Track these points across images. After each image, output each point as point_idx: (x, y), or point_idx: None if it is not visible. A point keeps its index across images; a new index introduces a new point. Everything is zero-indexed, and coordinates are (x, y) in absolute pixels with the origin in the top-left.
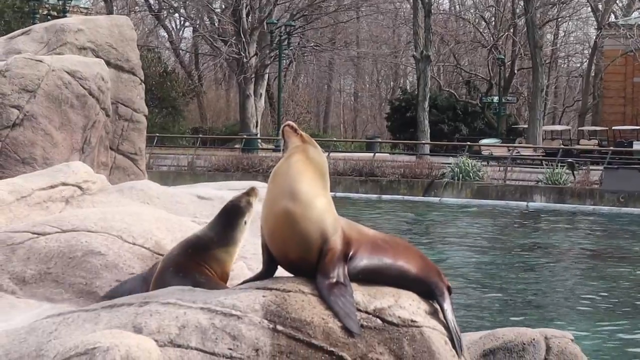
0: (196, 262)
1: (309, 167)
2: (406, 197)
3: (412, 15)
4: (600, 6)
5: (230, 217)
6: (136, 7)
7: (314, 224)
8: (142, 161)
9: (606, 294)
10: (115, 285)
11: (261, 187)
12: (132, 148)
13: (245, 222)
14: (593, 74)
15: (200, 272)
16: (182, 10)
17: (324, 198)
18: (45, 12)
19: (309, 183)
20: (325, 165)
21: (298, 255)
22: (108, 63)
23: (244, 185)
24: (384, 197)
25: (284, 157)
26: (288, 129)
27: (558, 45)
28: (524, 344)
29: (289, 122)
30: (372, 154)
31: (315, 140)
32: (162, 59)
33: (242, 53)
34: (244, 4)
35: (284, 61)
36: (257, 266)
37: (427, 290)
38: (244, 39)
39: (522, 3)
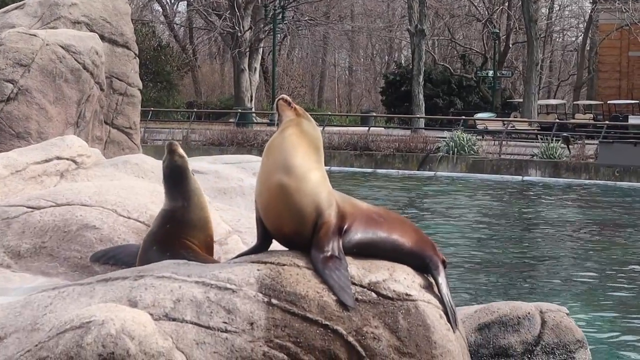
0: (178, 237)
1: (303, 140)
2: (401, 171)
3: None
4: None
5: (177, 176)
6: None
7: (308, 198)
8: (136, 135)
9: (601, 268)
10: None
11: (255, 161)
12: (127, 122)
13: (192, 172)
14: (588, 48)
15: (185, 247)
16: None
17: (318, 172)
18: None
19: (303, 157)
20: (319, 138)
21: (292, 229)
22: (102, 37)
23: (238, 158)
24: (379, 171)
25: (278, 130)
26: (282, 102)
27: (553, 19)
28: (519, 317)
29: (283, 96)
30: (366, 128)
31: (310, 114)
32: (156, 33)
33: (236, 27)
34: None
35: (279, 35)
36: (252, 240)
37: (421, 264)
38: (238, 13)
39: None
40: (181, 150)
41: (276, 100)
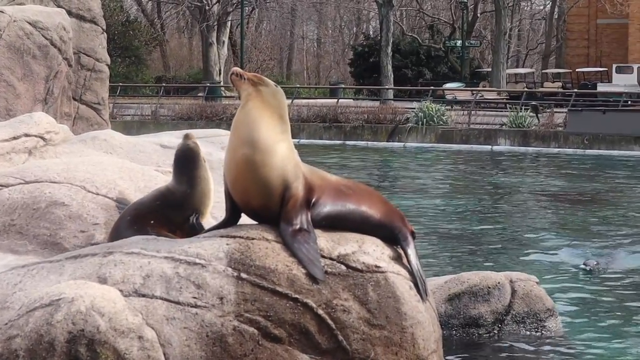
0: (160, 217)
1: (265, 112)
2: (370, 143)
3: None
4: None
5: (188, 160)
6: None
7: (275, 171)
8: (105, 111)
9: (571, 236)
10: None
11: (224, 135)
12: (95, 98)
13: (204, 160)
14: (556, 16)
15: (156, 230)
16: None
17: (284, 143)
18: None
19: (267, 129)
20: (281, 105)
21: (260, 203)
22: (69, 13)
23: (207, 133)
24: (348, 142)
25: (240, 105)
26: (234, 77)
27: None
28: (489, 287)
29: (233, 70)
30: (335, 100)
31: (281, 87)
32: (124, 7)
33: (204, 1)
34: None
35: (246, 8)
36: (221, 214)
37: (390, 235)
38: None
39: None
40: (195, 139)
41: (229, 76)
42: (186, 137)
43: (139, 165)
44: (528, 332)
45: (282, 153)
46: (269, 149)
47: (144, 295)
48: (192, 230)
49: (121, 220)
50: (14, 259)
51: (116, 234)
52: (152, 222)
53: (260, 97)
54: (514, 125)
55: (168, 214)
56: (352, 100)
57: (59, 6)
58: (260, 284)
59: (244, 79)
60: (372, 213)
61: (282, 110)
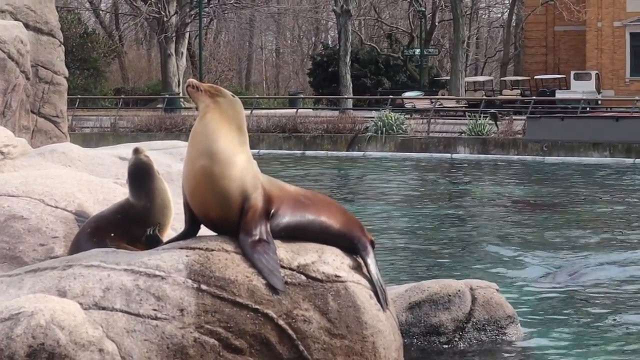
0: (120, 230)
1: (223, 123)
2: (330, 153)
3: None
4: None
5: (142, 174)
6: None
7: (234, 182)
8: (64, 124)
9: (531, 243)
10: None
11: (183, 146)
12: (54, 111)
13: (158, 171)
14: (514, 24)
15: (112, 241)
16: None
17: (242, 155)
18: None
19: (225, 140)
20: (240, 116)
21: (219, 214)
22: (27, 26)
23: (166, 145)
24: (308, 152)
25: (198, 117)
26: (190, 89)
27: None
28: (450, 295)
29: (189, 82)
30: (295, 110)
31: (240, 98)
32: (82, 20)
33: (162, 12)
34: None
35: (205, 19)
36: (180, 226)
37: (350, 245)
38: None
39: None
40: (147, 152)
41: (185, 88)
42: (136, 151)
43: (97, 177)
44: (489, 340)
45: (240, 164)
46: (228, 160)
47: (104, 308)
48: (151, 242)
49: (81, 233)
50: None
51: (76, 246)
52: (112, 235)
53: (218, 108)
54: (473, 133)
55: (129, 227)
56: (311, 110)
57: (16, 19)
58: (221, 295)
59: (201, 90)
60: (332, 223)
61: (240, 121)
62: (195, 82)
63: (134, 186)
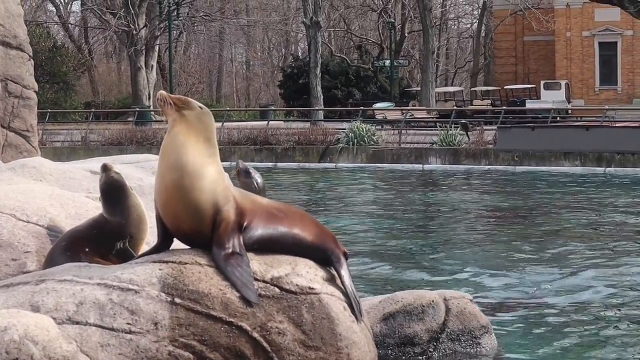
0: (96, 246)
1: (190, 137)
2: (301, 164)
3: None
4: None
5: (115, 192)
6: None
7: (205, 194)
8: (34, 138)
9: (503, 253)
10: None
11: (154, 159)
12: (24, 125)
13: (131, 188)
14: (483, 34)
15: (86, 256)
16: None
17: (212, 167)
18: None
19: (193, 153)
20: (208, 127)
21: (191, 227)
22: None
23: (137, 158)
24: (280, 164)
25: (167, 131)
26: (160, 102)
27: (447, 6)
28: (423, 306)
29: (158, 95)
30: (266, 122)
31: (211, 110)
32: (51, 33)
33: (131, 25)
34: None
35: (174, 32)
36: (153, 240)
37: (323, 257)
38: (132, 11)
39: None
40: (116, 168)
41: (156, 100)
42: (106, 168)
43: (69, 192)
44: (463, 350)
45: (211, 176)
46: (197, 172)
47: (77, 323)
48: (121, 256)
49: (56, 247)
50: None
51: (50, 260)
52: (86, 249)
53: (184, 121)
54: (444, 144)
55: (104, 242)
56: (282, 122)
57: None
58: (194, 308)
59: (169, 104)
60: (305, 235)
61: (209, 133)
62: (164, 94)
63: (107, 204)
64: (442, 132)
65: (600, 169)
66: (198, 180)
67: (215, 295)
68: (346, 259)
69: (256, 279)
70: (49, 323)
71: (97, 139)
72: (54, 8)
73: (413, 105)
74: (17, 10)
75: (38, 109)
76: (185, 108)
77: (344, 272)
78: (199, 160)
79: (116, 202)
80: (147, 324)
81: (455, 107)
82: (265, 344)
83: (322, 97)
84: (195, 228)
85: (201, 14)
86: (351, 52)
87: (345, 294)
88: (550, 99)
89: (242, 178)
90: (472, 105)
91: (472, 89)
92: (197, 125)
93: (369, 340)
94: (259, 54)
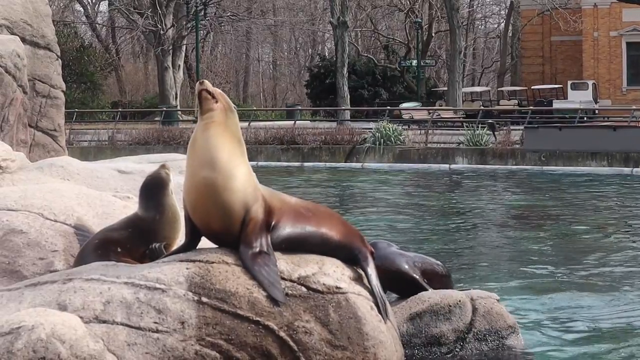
0: (130, 246)
1: (226, 137)
2: (328, 164)
3: None
4: None
5: (155, 187)
6: None
7: (236, 194)
8: (61, 137)
9: (531, 253)
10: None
11: (181, 159)
12: (51, 124)
13: (171, 191)
14: (510, 34)
15: (117, 256)
16: None
17: (244, 167)
18: None
19: (228, 153)
20: (238, 127)
21: (220, 226)
22: (23, 40)
23: (164, 157)
24: (306, 164)
25: (201, 125)
26: (205, 94)
27: (475, 6)
28: (450, 306)
29: (205, 86)
30: (292, 122)
31: (237, 110)
32: (78, 33)
33: (158, 25)
34: None
35: (201, 32)
36: (181, 238)
37: (350, 256)
38: (160, 11)
39: None
40: (169, 171)
41: (198, 88)
42: (162, 166)
43: (96, 191)
44: (490, 350)
45: (242, 177)
46: (230, 172)
47: (104, 322)
48: (154, 255)
49: (87, 245)
50: None
51: (80, 258)
52: (117, 249)
53: (222, 119)
54: (471, 144)
55: (137, 242)
56: (309, 121)
57: (12, 33)
58: (221, 307)
59: (216, 100)
60: (332, 234)
61: (239, 133)
62: (211, 87)
63: (145, 197)
64: (469, 132)
65: (627, 169)
66: (230, 181)
67: (242, 294)
68: (373, 258)
69: (283, 278)
70: (76, 322)
71: (124, 139)
72: (81, 8)
73: (440, 105)
74: (45, 10)
75: (65, 108)
76: (227, 108)
77: (371, 272)
78: (232, 160)
79: (154, 196)
80: (174, 323)
81: (482, 107)
82: (292, 344)
83: (348, 97)
84: (225, 227)
85: (228, 14)
86: (378, 52)
87: (372, 293)
88: (578, 99)
89: None
90: (499, 105)
91: (499, 89)
92: (233, 126)
93: (395, 340)
94: (286, 53)
